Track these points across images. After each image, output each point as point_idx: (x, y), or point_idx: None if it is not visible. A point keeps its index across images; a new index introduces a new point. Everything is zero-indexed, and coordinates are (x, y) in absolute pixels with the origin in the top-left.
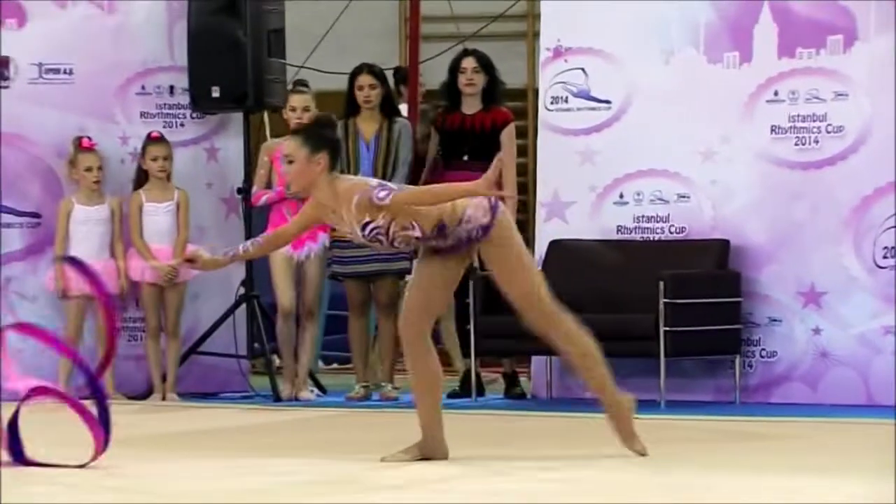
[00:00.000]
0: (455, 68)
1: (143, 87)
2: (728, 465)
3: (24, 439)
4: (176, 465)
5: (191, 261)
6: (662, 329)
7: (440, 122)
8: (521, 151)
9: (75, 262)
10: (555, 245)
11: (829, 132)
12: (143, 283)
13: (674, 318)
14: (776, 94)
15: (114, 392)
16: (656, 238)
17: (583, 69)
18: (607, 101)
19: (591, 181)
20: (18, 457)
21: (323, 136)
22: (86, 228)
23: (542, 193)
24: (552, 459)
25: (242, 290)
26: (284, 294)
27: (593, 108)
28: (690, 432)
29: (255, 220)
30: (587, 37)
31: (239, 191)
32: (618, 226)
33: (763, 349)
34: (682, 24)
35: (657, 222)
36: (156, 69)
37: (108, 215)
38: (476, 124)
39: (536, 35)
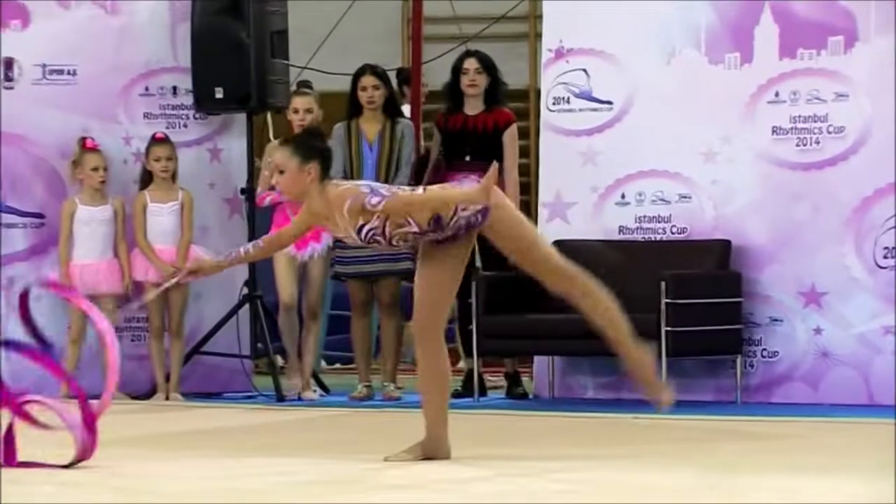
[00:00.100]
0: (457, 69)
1: (146, 88)
2: (729, 464)
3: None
4: (179, 464)
5: (194, 273)
6: (664, 329)
7: (442, 122)
8: (523, 152)
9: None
10: (557, 245)
11: (829, 133)
12: (147, 283)
13: (675, 318)
14: (777, 94)
15: (117, 392)
16: (658, 238)
17: (584, 70)
18: (609, 102)
19: (592, 182)
20: (10, 460)
21: (313, 145)
22: (89, 229)
23: (544, 194)
24: (554, 459)
25: (246, 291)
26: (286, 289)
27: (595, 109)
28: (692, 432)
29: (258, 221)
30: (589, 38)
31: (242, 191)
32: (619, 226)
33: (764, 349)
34: (683, 25)
35: (659, 223)
36: (159, 70)
37: (112, 215)
38: (478, 125)
39: (538, 36)
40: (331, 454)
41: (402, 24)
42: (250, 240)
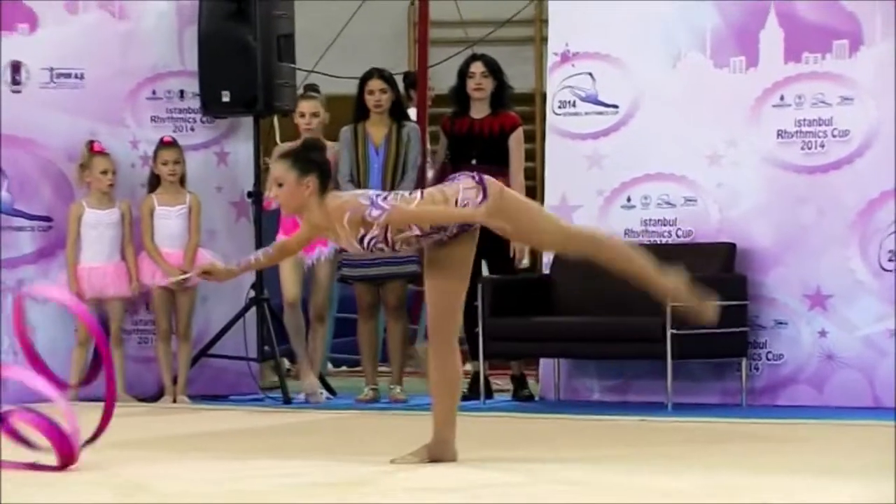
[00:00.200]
0: (463, 73)
1: (153, 92)
2: (734, 466)
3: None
4: (185, 466)
5: (207, 273)
6: (669, 332)
7: (449, 126)
8: (529, 155)
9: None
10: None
11: (834, 136)
12: (155, 287)
13: (680, 320)
14: (782, 98)
15: (124, 394)
16: (663, 241)
17: (590, 74)
18: (615, 106)
19: (598, 185)
20: None
21: (311, 159)
22: (96, 232)
23: (550, 197)
24: (560, 461)
25: (252, 294)
26: (289, 287)
27: (601, 113)
28: (697, 434)
29: (265, 224)
30: (595, 41)
31: (249, 194)
32: (625, 229)
33: (769, 352)
34: (688, 29)
35: (664, 226)
36: (166, 74)
37: (119, 219)
38: (484, 128)
39: (544, 40)
40: (337, 456)
41: (409, 28)
42: (257, 243)
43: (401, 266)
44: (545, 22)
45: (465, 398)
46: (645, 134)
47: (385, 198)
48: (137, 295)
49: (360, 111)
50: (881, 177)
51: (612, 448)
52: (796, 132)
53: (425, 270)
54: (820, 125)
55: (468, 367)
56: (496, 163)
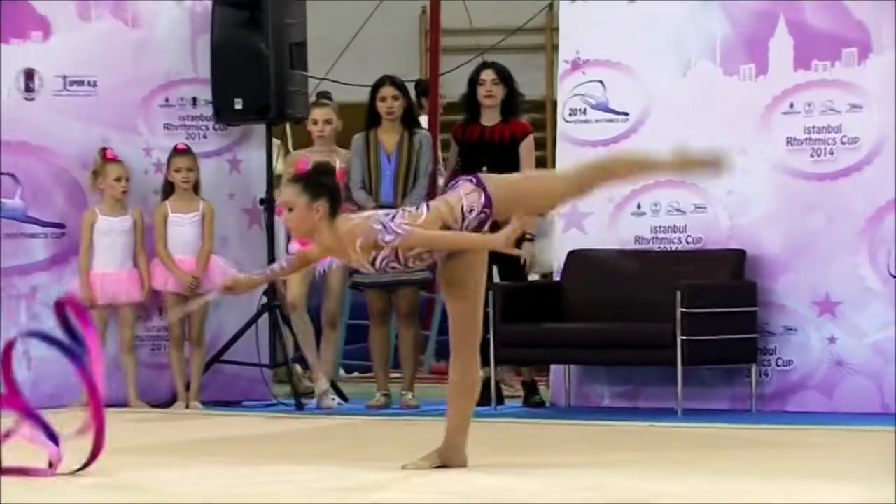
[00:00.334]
0: (474, 80)
1: (166, 99)
2: (742, 471)
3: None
4: (197, 471)
5: (229, 288)
6: (679, 338)
7: (460, 133)
8: (540, 163)
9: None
10: (573, 255)
11: (844, 143)
12: (167, 293)
13: (691, 327)
14: (792, 105)
15: (137, 400)
16: (673, 248)
17: (601, 81)
18: (625, 113)
19: (608, 192)
20: None
21: (321, 183)
22: (109, 239)
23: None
24: (572, 467)
25: (264, 300)
26: (294, 289)
27: (611, 120)
28: (707, 440)
29: (277, 231)
30: (605, 49)
31: (261, 201)
32: (635, 236)
33: (779, 358)
34: (698, 37)
35: (674, 233)
36: (179, 81)
37: (131, 226)
38: (495, 136)
39: (555, 47)
40: (348, 462)
41: (420, 36)
42: (269, 250)
43: (412, 273)
44: (556, 30)
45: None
46: (655, 141)
47: (393, 218)
48: (149, 301)
49: (371, 118)
50: (890, 184)
51: (622, 453)
52: (806, 139)
53: (442, 284)
54: (829, 132)
55: (480, 373)
56: (507, 170)
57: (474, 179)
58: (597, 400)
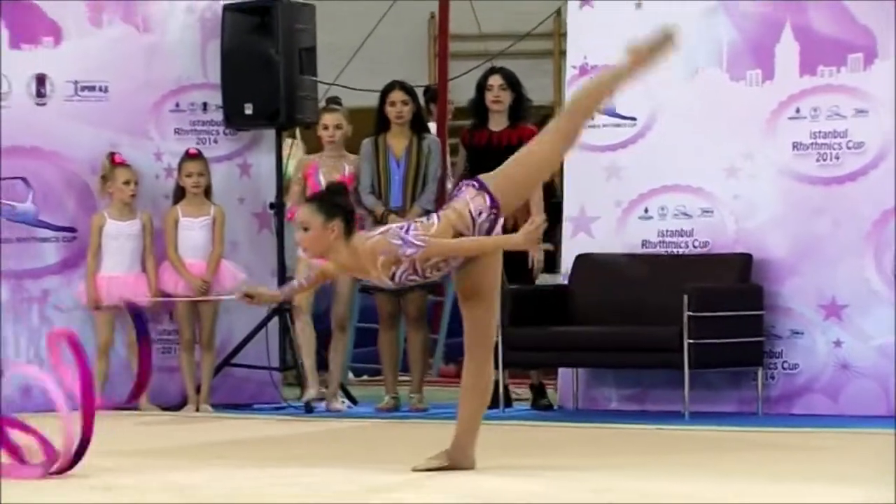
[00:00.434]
0: (482, 86)
1: (177, 105)
2: (749, 473)
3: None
4: (207, 473)
5: (249, 296)
6: (687, 341)
7: (468, 138)
8: None
9: None
10: (581, 259)
11: (849, 148)
12: (177, 296)
13: (698, 330)
14: (798, 110)
15: (148, 403)
16: (680, 252)
17: None
18: (632, 118)
19: (616, 196)
20: None
21: (336, 203)
22: (117, 243)
23: (569, 208)
24: (580, 469)
25: (274, 304)
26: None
27: (619, 125)
28: (714, 442)
29: (287, 235)
30: (612, 55)
31: (271, 206)
32: (643, 240)
33: (785, 361)
34: (705, 42)
35: (681, 236)
36: (189, 87)
37: (140, 230)
38: (503, 141)
39: (563, 53)
40: (358, 465)
41: (429, 42)
42: (279, 254)
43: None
44: (564, 35)
45: None
46: (662, 146)
47: (407, 230)
48: (158, 305)
49: (381, 123)
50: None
51: (629, 456)
52: (812, 144)
53: (458, 290)
54: (835, 137)
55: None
56: None
57: (476, 184)
58: (604, 403)
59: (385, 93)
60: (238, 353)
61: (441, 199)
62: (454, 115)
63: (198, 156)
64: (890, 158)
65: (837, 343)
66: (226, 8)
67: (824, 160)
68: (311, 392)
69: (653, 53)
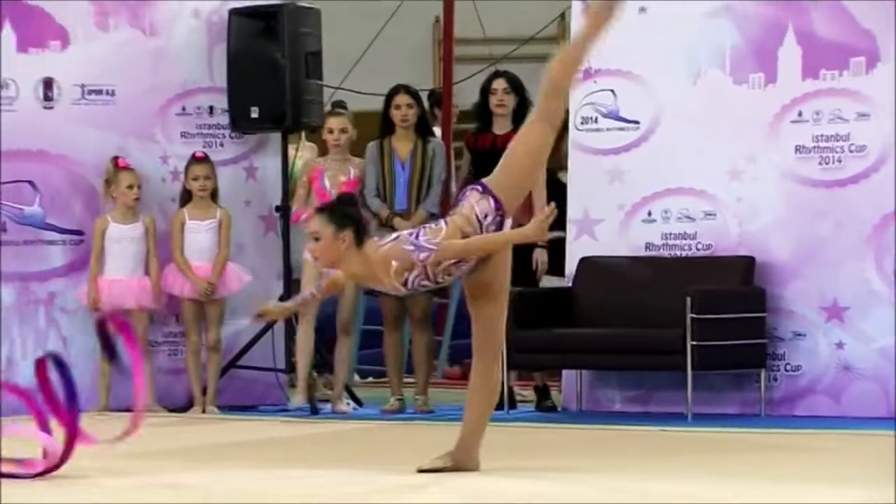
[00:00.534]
0: (486, 90)
1: (183, 108)
2: (751, 475)
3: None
4: (213, 475)
5: (261, 315)
6: (689, 343)
7: (472, 142)
8: None
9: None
10: (585, 262)
11: (851, 151)
12: (184, 299)
13: (701, 332)
14: (800, 114)
15: (154, 404)
16: (683, 255)
17: (612, 90)
18: (636, 122)
19: (620, 199)
20: None
21: (347, 213)
22: (120, 247)
23: (573, 211)
24: (584, 470)
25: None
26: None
27: (622, 129)
28: (717, 444)
29: (292, 238)
30: (616, 59)
31: (277, 209)
32: (646, 243)
33: (787, 363)
34: (708, 46)
35: (684, 239)
36: (196, 90)
37: (143, 233)
38: (507, 144)
39: None
40: (363, 466)
41: (434, 46)
42: (284, 257)
43: None
44: (568, 39)
45: None
46: (665, 149)
47: (417, 236)
48: (162, 308)
49: (385, 126)
50: None
51: (633, 457)
52: (814, 147)
53: (468, 293)
54: (837, 140)
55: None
56: None
57: (480, 187)
58: (608, 404)
59: (390, 96)
60: (244, 354)
61: (446, 203)
62: (458, 118)
63: (204, 159)
64: (891, 162)
65: (839, 345)
66: (232, 12)
67: (826, 163)
68: (299, 398)
69: (608, 10)
